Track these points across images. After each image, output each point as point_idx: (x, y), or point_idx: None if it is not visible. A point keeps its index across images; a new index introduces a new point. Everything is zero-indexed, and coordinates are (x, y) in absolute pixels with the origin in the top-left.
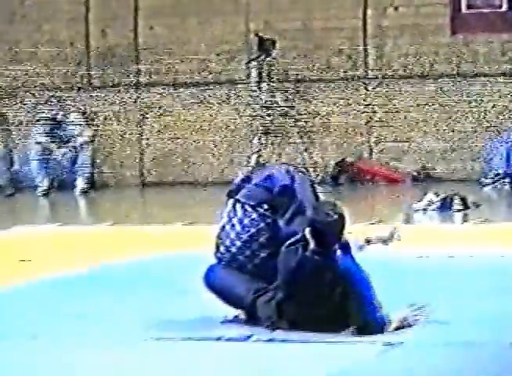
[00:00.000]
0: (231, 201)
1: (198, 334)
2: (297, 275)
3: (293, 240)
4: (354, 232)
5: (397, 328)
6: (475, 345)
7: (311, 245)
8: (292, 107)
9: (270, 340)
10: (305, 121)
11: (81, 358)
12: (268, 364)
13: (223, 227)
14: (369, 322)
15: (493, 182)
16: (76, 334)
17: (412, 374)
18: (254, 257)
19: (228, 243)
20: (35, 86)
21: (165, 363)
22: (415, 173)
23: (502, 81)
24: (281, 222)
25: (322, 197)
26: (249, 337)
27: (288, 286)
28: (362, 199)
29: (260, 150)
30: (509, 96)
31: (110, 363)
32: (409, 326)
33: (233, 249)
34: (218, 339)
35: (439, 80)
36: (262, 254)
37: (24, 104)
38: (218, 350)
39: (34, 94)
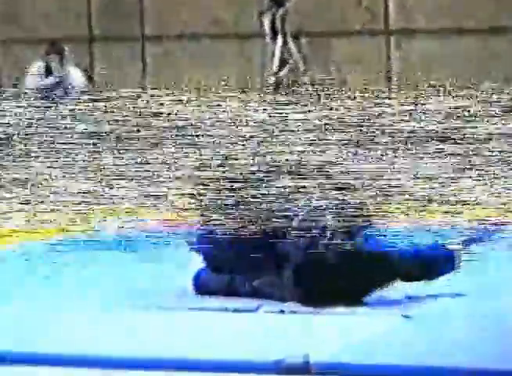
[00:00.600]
0: None
1: (202, 304)
2: (324, 280)
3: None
4: None
5: (465, 246)
6: (495, 317)
7: (334, 240)
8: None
9: (281, 311)
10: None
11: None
12: (278, 337)
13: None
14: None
15: None
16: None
17: (431, 346)
18: (242, 258)
19: (213, 251)
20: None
21: (168, 334)
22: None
23: None
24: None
25: None
26: (258, 307)
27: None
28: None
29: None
30: None
31: (105, 333)
32: (478, 241)
33: (220, 255)
34: (224, 310)
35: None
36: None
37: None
38: (224, 321)
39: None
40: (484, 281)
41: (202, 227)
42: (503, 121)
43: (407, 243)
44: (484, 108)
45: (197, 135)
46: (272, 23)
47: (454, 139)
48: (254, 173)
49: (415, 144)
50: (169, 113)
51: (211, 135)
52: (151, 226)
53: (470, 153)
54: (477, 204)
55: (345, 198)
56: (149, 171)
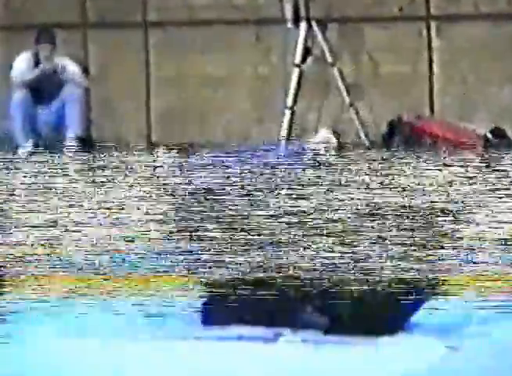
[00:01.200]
0: None
1: (213, 333)
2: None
3: None
4: None
5: None
6: None
7: None
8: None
9: (303, 341)
10: (351, 70)
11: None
12: (300, 371)
13: None
14: None
15: None
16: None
17: None
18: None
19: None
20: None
21: (171, 366)
22: (488, 135)
23: None
24: None
25: None
26: (277, 336)
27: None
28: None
29: (294, 104)
30: None
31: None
32: None
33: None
34: (239, 339)
35: None
36: None
37: None
38: (237, 352)
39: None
40: None
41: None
42: None
43: None
44: None
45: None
46: (295, 6)
47: None
48: None
49: None
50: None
51: None
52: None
53: None
54: None
55: None
56: None
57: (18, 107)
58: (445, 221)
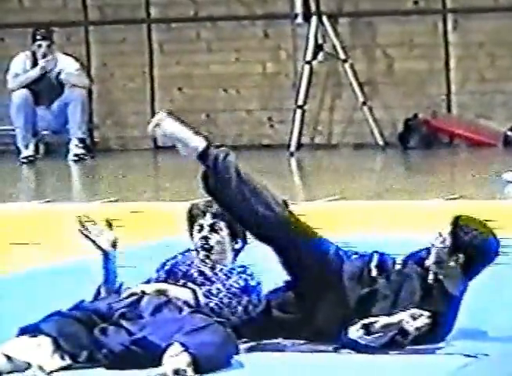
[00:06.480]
0: None
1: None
2: None
3: None
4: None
5: None
6: None
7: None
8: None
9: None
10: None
11: None
12: None
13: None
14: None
15: None
16: None
17: None
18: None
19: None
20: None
21: None
22: (508, 133)
23: None
24: None
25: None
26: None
27: None
28: (440, 167)
29: (305, 103)
30: None
31: None
32: None
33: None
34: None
35: None
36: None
37: None
38: (266, 362)
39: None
40: None
41: None
42: None
43: None
44: None
45: None
46: (305, 0)
47: None
48: None
49: None
50: None
51: None
52: None
53: None
54: None
55: None
56: None
57: (19, 108)
58: None
